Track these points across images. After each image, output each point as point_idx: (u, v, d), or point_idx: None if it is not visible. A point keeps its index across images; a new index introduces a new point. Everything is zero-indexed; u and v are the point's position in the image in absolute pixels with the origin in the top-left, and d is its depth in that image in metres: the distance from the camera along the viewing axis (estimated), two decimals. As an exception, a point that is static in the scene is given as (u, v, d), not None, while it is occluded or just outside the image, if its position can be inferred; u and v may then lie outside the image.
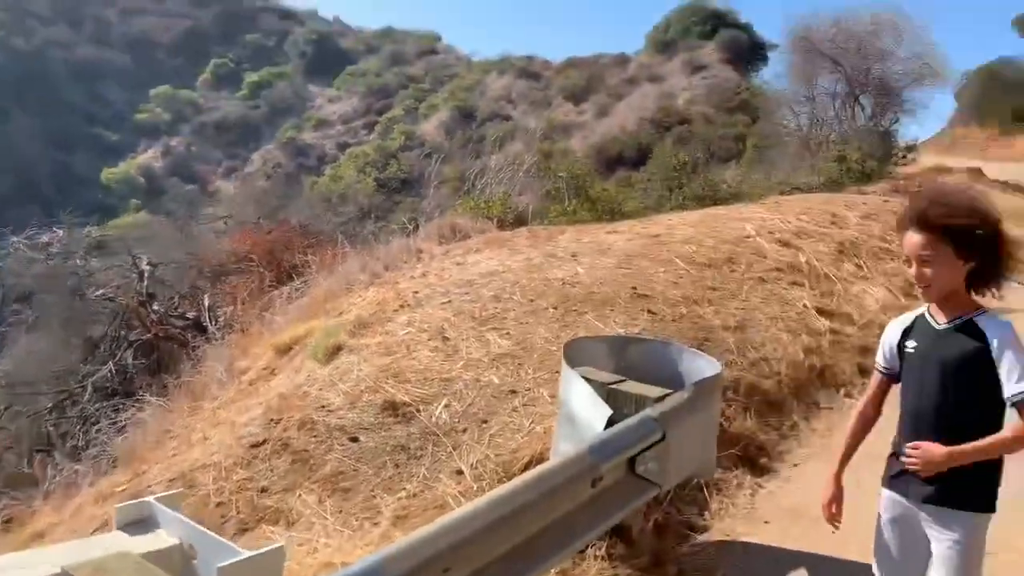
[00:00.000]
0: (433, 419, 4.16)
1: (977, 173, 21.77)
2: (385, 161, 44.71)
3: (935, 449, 2.18)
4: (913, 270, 2.21)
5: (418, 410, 4.24)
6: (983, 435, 2.17)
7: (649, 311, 5.74)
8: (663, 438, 3.09)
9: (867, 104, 25.84)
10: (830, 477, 2.49)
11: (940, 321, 2.26)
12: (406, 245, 8.45)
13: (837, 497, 2.47)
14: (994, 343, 2.14)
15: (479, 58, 73.21)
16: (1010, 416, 2.14)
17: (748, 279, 7.02)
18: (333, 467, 3.94)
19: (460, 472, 3.75)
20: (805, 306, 6.72)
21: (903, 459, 2.26)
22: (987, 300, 2.30)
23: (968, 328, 2.20)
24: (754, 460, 4.50)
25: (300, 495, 3.83)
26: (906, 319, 2.41)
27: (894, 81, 25.48)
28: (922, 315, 2.34)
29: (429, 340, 5.04)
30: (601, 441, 2.86)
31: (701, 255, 7.28)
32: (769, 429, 4.87)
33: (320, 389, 4.70)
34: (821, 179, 18.62)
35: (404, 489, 3.72)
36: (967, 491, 2.20)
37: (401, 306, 5.79)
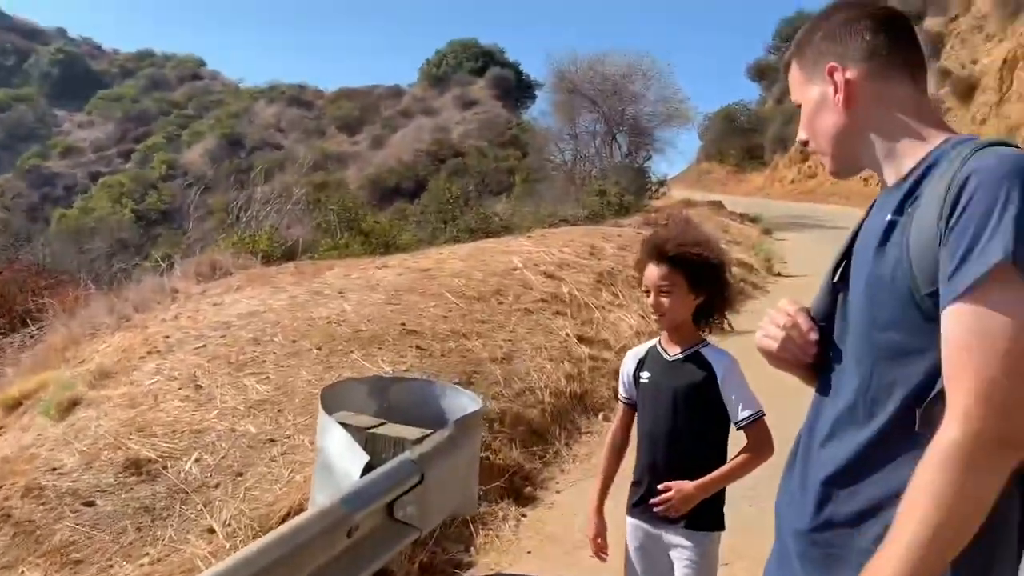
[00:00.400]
0: (182, 475, 3.86)
1: (718, 206, 24.03)
2: (144, 191, 41.86)
3: (686, 486, 2.29)
4: (651, 300, 2.36)
5: (165, 466, 3.92)
6: (712, 458, 2.35)
7: (418, 347, 5.73)
8: (422, 480, 3.05)
9: (623, 142, 27.81)
10: (592, 511, 2.53)
11: (671, 352, 2.42)
12: (160, 284, 7.87)
13: (601, 530, 2.51)
14: (720, 373, 2.33)
15: (247, 85, 70.89)
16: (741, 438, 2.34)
17: (515, 310, 7.23)
18: (64, 537, 3.53)
19: (212, 531, 3.50)
20: (567, 335, 7.02)
21: (657, 507, 2.33)
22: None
23: (695, 359, 2.38)
24: (519, 490, 4.59)
25: (23, 572, 3.39)
26: (640, 350, 2.54)
27: (645, 121, 27.66)
28: (654, 346, 2.49)
29: (180, 389, 4.70)
30: (355, 490, 2.76)
31: (470, 288, 7.40)
32: (534, 458, 5.00)
33: (51, 449, 4.22)
34: (585, 212, 19.74)
35: (147, 554, 3.40)
36: (701, 513, 2.34)
37: (150, 352, 5.36)
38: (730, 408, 2.33)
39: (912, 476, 1.11)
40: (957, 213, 1.12)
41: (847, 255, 1.40)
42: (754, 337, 1.54)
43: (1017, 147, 1.19)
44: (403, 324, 6.02)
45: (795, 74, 1.45)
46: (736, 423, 2.33)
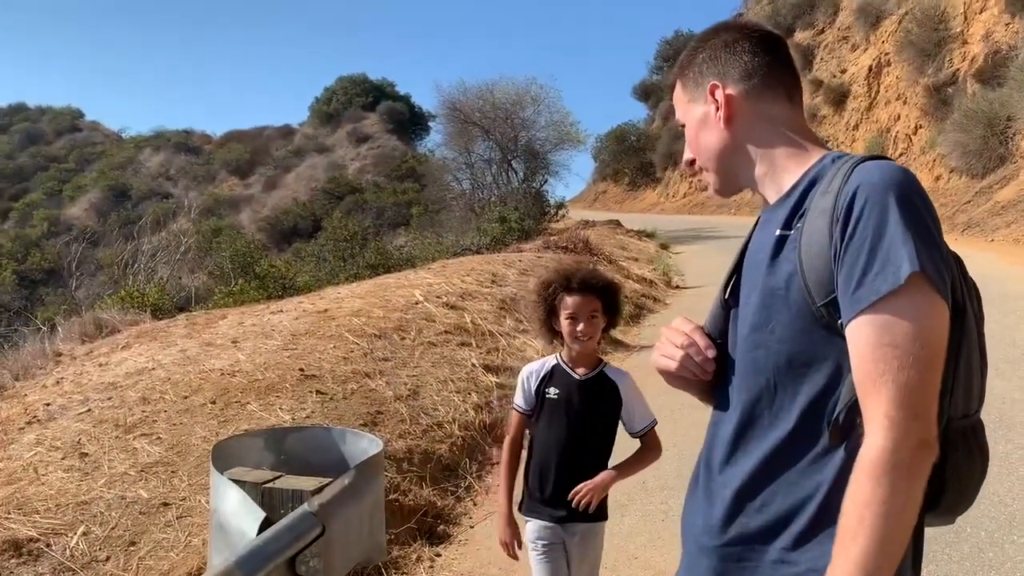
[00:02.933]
0: (68, 551, 3.60)
1: (616, 224, 24.52)
2: (25, 251, 39.79)
3: (601, 480, 2.54)
4: (581, 327, 2.59)
5: (48, 544, 3.65)
6: (601, 464, 2.63)
7: (318, 392, 5.57)
8: (323, 532, 2.94)
9: (519, 168, 28.04)
10: (503, 517, 2.68)
11: (579, 373, 2.67)
12: (41, 349, 7.44)
13: (516, 535, 2.68)
14: (623, 391, 2.64)
15: (131, 133, 68.71)
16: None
17: (419, 345, 7.14)
18: (-64, 636, 3.24)
19: (103, 609, 3.28)
20: (473, 365, 6.97)
21: (577, 502, 2.53)
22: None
23: (602, 378, 2.67)
24: (432, 529, 4.49)
25: None
26: (542, 367, 2.75)
27: (539, 146, 27.99)
28: (558, 365, 2.71)
29: (63, 459, 4.41)
30: (251, 550, 2.61)
31: (371, 326, 7.27)
32: (445, 494, 4.91)
33: (-81, 539, 3.87)
34: (487, 239, 19.80)
35: (32, 644, 3.15)
36: (600, 507, 2.61)
37: (29, 422, 5.03)
38: (628, 420, 2.66)
39: (847, 490, 1.12)
40: (851, 227, 1.15)
41: (736, 271, 1.42)
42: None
43: (890, 159, 1.24)
44: (301, 369, 5.85)
45: (679, 94, 1.49)
46: (633, 433, 2.67)
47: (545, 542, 2.63)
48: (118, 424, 4.78)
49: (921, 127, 23.80)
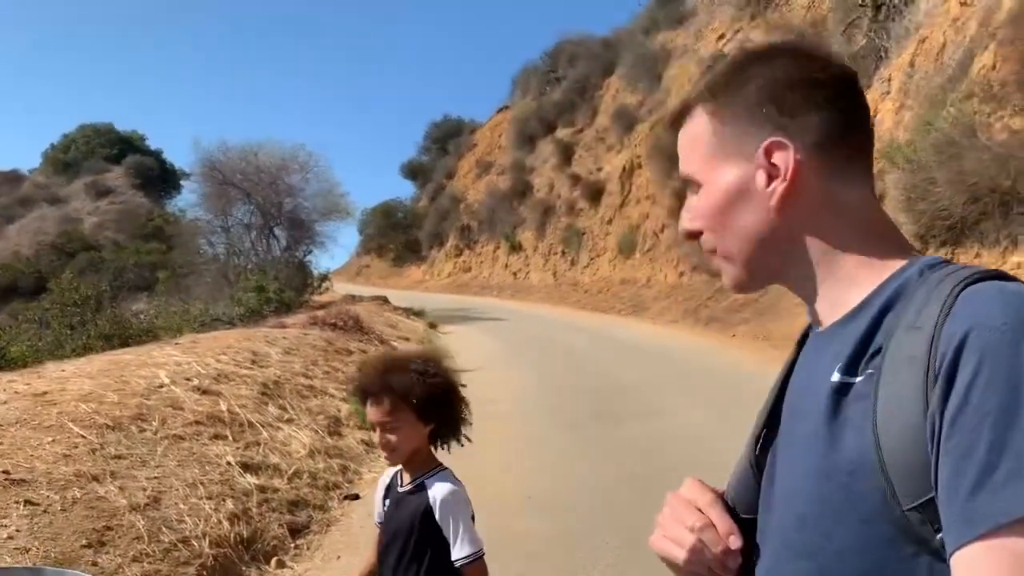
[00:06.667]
0: None
1: (384, 301, 23.97)
2: None
3: None
4: (378, 437, 2.18)
5: None
6: None
7: (28, 502, 4.42)
8: None
9: (282, 236, 26.86)
10: None
11: (404, 482, 2.26)
12: None
13: None
14: (437, 507, 2.14)
15: None
16: None
17: (163, 439, 6.07)
18: None
19: None
20: (229, 463, 6.03)
21: None
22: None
23: (420, 489, 2.20)
24: None
25: None
26: (389, 475, 2.36)
27: (304, 215, 27.05)
28: (397, 472, 2.32)
29: None
30: None
31: (103, 414, 6.08)
32: (190, 634, 3.99)
33: None
34: (241, 310, 18.53)
35: None
36: None
37: None
38: (451, 544, 2.15)
39: None
40: (958, 395, 0.71)
41: (773, 419, 0.97)
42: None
43: (1011, 278, 0.80)
44: (6, 472, 4.65)
45: (700, 133, 0.95)
46: (455, 561, 2.14)
47: None
48: None
49: (667, 226, 25.74)
